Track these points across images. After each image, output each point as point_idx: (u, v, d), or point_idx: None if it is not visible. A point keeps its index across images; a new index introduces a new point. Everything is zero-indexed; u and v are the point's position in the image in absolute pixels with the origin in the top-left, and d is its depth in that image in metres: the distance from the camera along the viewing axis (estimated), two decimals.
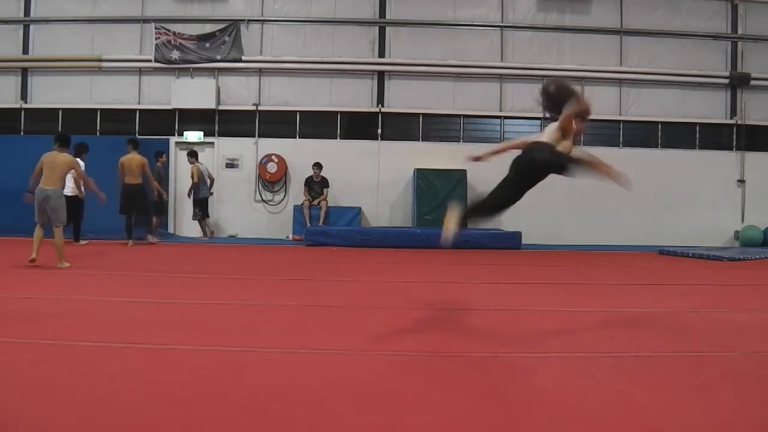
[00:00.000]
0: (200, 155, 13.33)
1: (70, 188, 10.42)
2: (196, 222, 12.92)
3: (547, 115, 4.83)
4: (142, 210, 11.29)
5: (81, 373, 3.23)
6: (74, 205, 10.26)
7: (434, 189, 12.90)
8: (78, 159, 10.42)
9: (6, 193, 11.09)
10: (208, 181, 12.74)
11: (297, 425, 2.58)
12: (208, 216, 12.90)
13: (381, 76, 13.72)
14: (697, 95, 13.83)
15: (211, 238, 12.75)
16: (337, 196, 13.26)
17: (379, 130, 13.63)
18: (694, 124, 13.86)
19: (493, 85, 13.71)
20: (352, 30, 13.71)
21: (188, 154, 12.63)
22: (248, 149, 13.57)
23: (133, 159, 11.01)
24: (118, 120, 13.61)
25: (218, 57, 13.40)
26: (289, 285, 6.77)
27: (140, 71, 13.58)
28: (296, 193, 13.30)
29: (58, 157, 7.52)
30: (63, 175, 7.62)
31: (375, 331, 4.48)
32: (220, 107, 13.59)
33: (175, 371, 3.31)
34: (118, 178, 10.97)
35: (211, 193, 12.98)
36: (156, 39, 13.38)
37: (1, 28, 13.78)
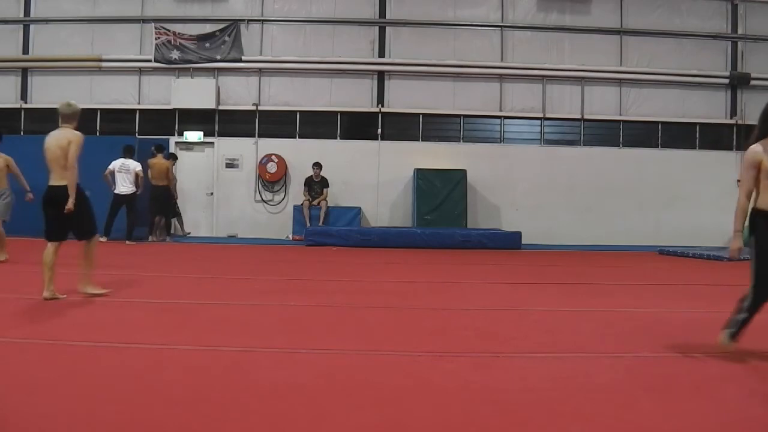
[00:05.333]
0: (200, 155, 13.35)
1: (130, 188, 10.82)
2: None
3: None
4: (166, 210, 11.80)
5: (81, 373, 3.23)
6: (131, 201, 10.90)
7: (434, 189, 12.90)
8: (131, 159, 10.92)
9: None
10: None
11: (297, 425, 2.58)
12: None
13: (381, 76, 13.71)
14: (697, 95, 13.82)
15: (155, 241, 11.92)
16: (337, 196, 13.25)
17: (379, 130, 13.63)
18: (694, 124, 13.85)
19: (492, 85, 13.70)
20: (352, 30, 13.70)
21: (171, 156, 12.32)
22: (248, 149, 13.56)
23: (158, 163, 11.56)
24: (118, 120, 13.61)
25: (218, 57, 13.39)
26: (289, 285, 6.77)
27: (140, 71, 13.57)
28: (296, 193, 13.29)
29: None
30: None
31: (375, 331, 4.48)
32: (220, 107, 13.58)
33: (175, 371, 3.32)
34: (148, 179, 11.50)
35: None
36: (156, 39, 13.37)
37: (1, 28, 13.77)
